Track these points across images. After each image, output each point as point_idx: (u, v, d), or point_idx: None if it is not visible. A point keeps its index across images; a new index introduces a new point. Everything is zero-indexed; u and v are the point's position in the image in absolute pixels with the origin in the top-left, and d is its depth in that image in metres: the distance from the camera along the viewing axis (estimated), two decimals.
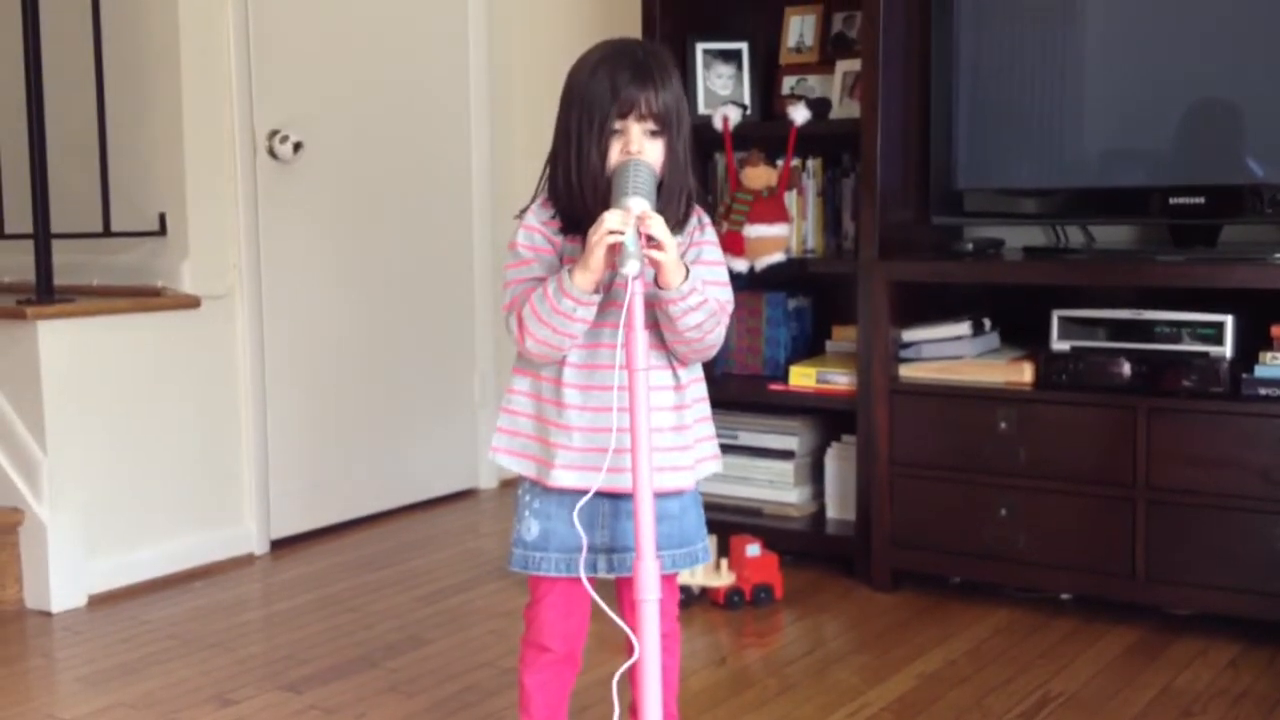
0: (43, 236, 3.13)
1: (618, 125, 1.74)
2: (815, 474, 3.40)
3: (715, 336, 1.80)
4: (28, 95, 3.08)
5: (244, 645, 2.82)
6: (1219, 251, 2.90)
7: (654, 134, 1.76)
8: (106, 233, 3.31)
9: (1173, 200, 2.87)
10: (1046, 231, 3.29)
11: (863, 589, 3.11)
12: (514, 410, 1.86)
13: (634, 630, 1.71)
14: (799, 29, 3.52)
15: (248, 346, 3.51)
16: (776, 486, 3.37)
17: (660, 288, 1.73)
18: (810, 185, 3.41)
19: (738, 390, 3.37)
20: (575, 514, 1.77)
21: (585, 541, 1.78)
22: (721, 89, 3.49)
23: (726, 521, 3.19)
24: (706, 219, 1.88)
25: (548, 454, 1.82)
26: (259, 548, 3.56)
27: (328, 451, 3.74)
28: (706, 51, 3.50)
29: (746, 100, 3.48)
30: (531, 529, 1.85)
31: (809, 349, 3.50)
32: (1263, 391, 2.66)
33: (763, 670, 2.64)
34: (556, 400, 1.81)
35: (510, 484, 4.27)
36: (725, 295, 1.84)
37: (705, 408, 1.90)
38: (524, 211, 1.86)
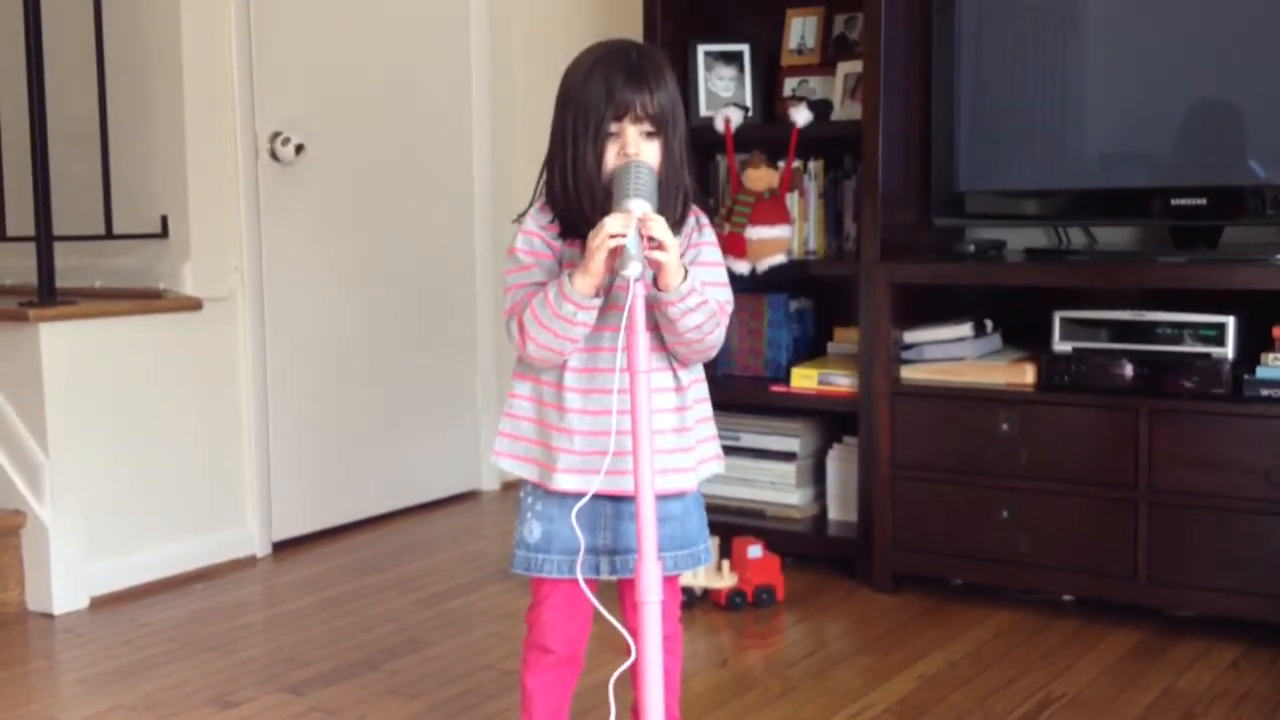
0: (45, 239, 3.13)
1: (613, 128, 1.74)
2: (817, 476, 3.39)
3: (715, 337, 1.80)
4: (29, 97, 3.08)
5: (245, 647, 2.82)
6: (1221, 253, 2.90)
7: (650, 135, 1.76)
8: (108, 235, 3.32)
9: (1174, 202, 2.87)
10: (1048, 233, 3.29)
11: (864, 591, 3.11)
12: (516, 414, 1.86)
13: (635, 632, 1.71)
14: (800, 31, 3.52)
15: (249, 349, 3.51)
16: (778, 488, 3.37)
17: (660, 289, 1.73)
18: (812, 187, 3.41)
19: (739, 392, 3.37)
20: (574, 516, 1.77)
21: (584, 544, 1.78)
22: (723, 91, 3.49)
23: (728, 523, 3.19)
24: (705, 219, 1.88)
25: (549, 457, 1.82)
26: (260, 550, 3.56)
27: (329, 454, 3.75)
28: (708, 53, 3.50)
29: (748, 102, 3.48)
30: (534, 531, 1.85)
31: (810, 351, 3.50)
32: (1264, 393, 2.65)
33: (764, 672, 2.64)
34: (558, 404, 1.81)
35: (512, 486, 4.27)
36: (725, 295, 1.84)
37: (707, 408, 1.90)
38: (522, 216, 1.86)
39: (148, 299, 3.32)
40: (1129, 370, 2.79)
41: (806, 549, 3.29)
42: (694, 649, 2.73)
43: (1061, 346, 2.88)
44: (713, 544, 2.10)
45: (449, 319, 4.13)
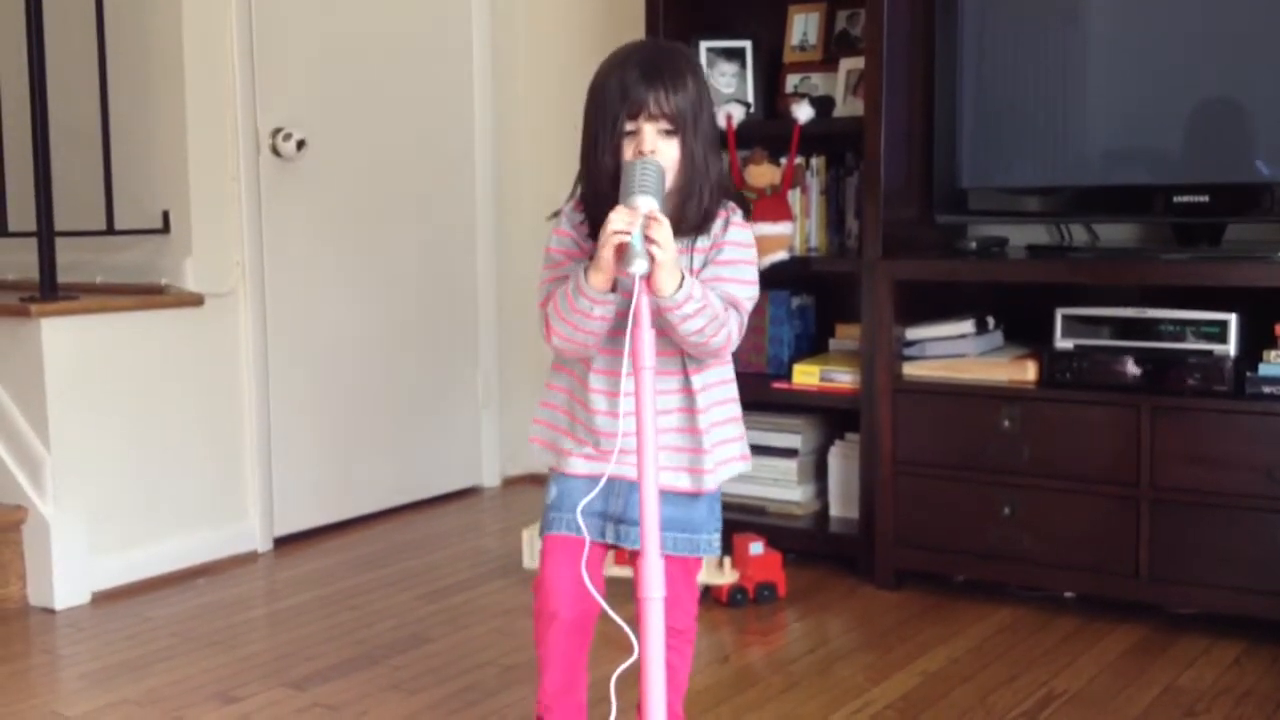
0: (46, 234, 3.13)
1: (629, 126, 1.75)
2: (819, 472, 3.40)
3: (719, 339, 1.81)
4: (31, 93, 3.08)
5: (247, 643, 2.82)
6: (1223, 250, 2.90)
7: (668, 133, 1.76)
8: (110, 230, 3.32)
9: (1177, 199, 2.86)
10: (1050, 230, 3.29)
11: (866, 587, 3.11)
12: (551, 404, 1.94)
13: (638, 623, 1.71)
14: (803, 27, 3.52)
15: (251, 344, 3.51)
16: (780, 485, 3.37)
17: (653, 293, 1.72)
18: (814, 183, 3.41)
19: (741, 388, 3.33)
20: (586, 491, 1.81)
21: (596, 506, 1.84)
22: (725, 87, 3.49)
23: (730, 519, 3.15)
24: (737, 217, 1.87)
25: (572, 445, 1.89)
26: (262, 545, 3.56)
27: (331, 449, 3.75)
28: (710, 50, 3.49)
29: (750, 99, 3.48)
30: (551, 491, 1.93)
31: (812, 347, 3.50)
32: (1267, 390, 2.65)
33: (766, 668, 2.64)
34: (585, 402, 1.86)
35: (514, 483, 4.28)
36: (744, 293, 1.84)
37: (731, 409, 1.93)
38: (557, 214, 1.88)
39: (149, 294, 3.33)
40: (1131, 367, 2.79)
41: (808, 545, 3.29)
42: (695, 645, 2.72)
43: (1063, 343, 2.88)
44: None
45: (451, 314, 4.13)
